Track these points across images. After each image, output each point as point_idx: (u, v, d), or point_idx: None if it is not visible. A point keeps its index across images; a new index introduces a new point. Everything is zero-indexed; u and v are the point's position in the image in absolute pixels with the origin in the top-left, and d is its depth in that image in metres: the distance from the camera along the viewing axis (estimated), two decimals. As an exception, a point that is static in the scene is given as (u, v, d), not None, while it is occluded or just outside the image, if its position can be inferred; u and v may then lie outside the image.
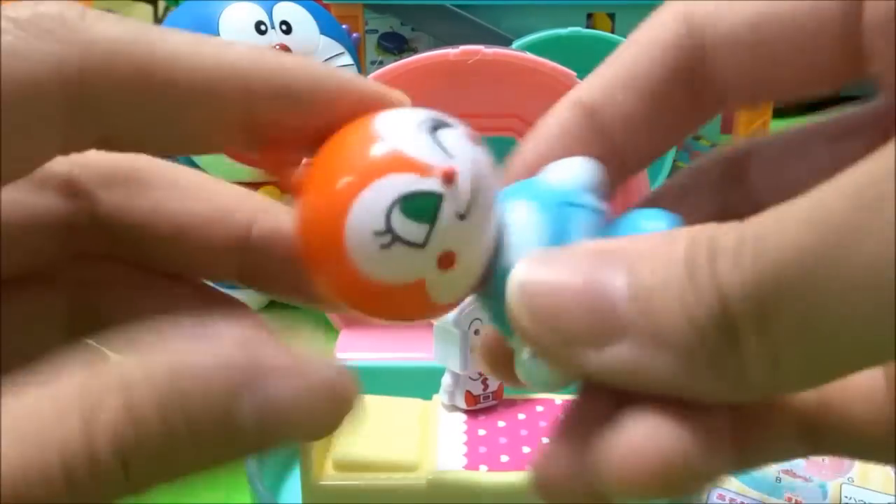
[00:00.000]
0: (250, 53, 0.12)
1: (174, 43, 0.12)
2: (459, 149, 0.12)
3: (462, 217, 0.12)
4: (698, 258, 0.10)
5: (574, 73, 0.25)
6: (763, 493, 0.23)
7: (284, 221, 0.15)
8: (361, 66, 0.44)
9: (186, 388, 0.10)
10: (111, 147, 0.12)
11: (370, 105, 0.13)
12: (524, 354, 0.13)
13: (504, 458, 0.21)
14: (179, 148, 0.13)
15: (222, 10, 0.34)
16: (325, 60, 0.35)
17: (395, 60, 0.25)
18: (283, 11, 0.35)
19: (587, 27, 0.61)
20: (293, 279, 0.15)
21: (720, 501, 0.23)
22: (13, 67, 0.10)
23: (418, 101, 0.34)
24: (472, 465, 0.20)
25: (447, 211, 0.12)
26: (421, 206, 0.12)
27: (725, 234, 0.10)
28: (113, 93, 0.11)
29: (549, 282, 0.11)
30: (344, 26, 0.39)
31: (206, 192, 0.15)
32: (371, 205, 0.12)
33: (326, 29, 0.36)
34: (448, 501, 0.20)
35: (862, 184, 0.09)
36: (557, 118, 0.15)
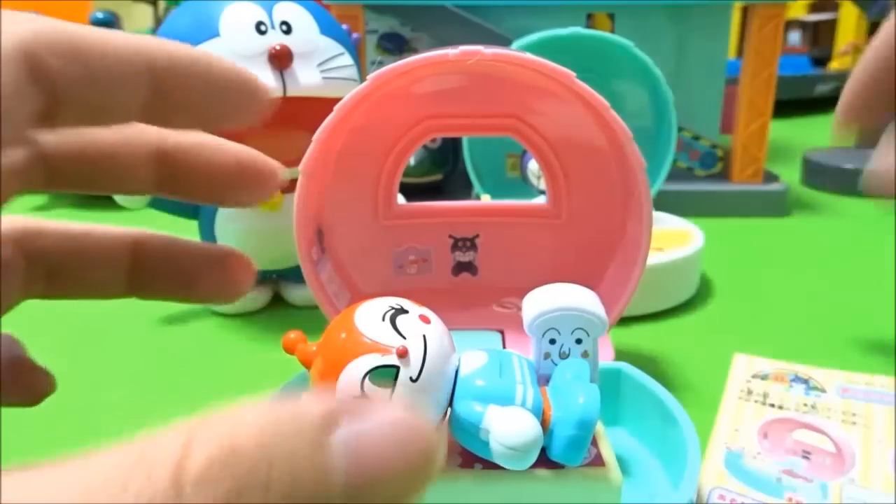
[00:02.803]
0: (154, 40, 0.16)
1: (95, 31, 0.16)
2: (412, 331, 0.19)
3: (414, 380, 0.18)
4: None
5: (573, 74, 0.25)
6: (763, 492, 0.23)
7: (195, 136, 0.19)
8: (361, 66, 0.44)
9: (283, 423, 0.10)
10: (54, 116, 0.15)
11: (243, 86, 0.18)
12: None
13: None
14: (104, 114, 0.16)
15: (222, 10, 0.34)
16: (326, 60, 0.35)
17: (395, 60, 0.25)
18: (283, 11, 0.35)
19: (587, 27, 0.61)
20: (209, 185, 0.19)
21: (720, 502, 0.23)
22: None
23: (418, 102, 0.34)
24: (466, 464, 0.20)
25: (403, 377, 0.18)
26: (383, 375, 0.18)
27: None
28: (56, 60, 0.15)
29: None
30: (344, 26, 0.39)
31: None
32: (351, 376, 0.18)
33: (326, 29, 0.36)
34: (444, 500, 0.20)
35: None
36: None
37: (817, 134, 0.93)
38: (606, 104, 0.26)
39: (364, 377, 0.18)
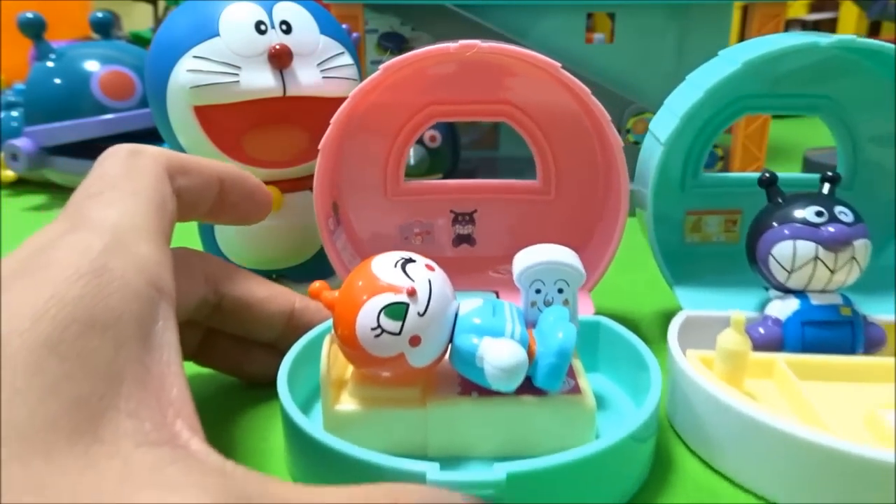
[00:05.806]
0: (226, 167, 0.26)
1: (193, 168, 0.24)
2: (419, 275, 0.23)
3: (421, 314, 0.22)
4: None
5: (559, 64, 0.29)
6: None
7: (311, 303, 0.29)
8: (361, 66, 0.44)
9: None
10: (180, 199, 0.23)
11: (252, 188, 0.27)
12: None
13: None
14: (194, 209, 0.25)
15: (222, 9, 0.33)
16: (325, 60, 0.35)
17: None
18: (283, 11, 0.34)
19: (587, 27, 0.61)
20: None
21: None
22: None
23: (423, 89, 0.39)
24: (465, 391, 0.24)
25: (412, 312, 0.22)
26: (396, 311, 0.22)
27: None
28: (178, 176, 0.23)
29: None
30: (344, 26, 0.39)
31: (267, 285, 0.29)
32: (368, 312, 0.22)
33: (326, 29, 0.36)
34: (447, 422, 0.24)
35: None
36: None
37: (817, 133, 0.88)
38: (587, 90, 0.30)
39: (380, 312, 0.22)
